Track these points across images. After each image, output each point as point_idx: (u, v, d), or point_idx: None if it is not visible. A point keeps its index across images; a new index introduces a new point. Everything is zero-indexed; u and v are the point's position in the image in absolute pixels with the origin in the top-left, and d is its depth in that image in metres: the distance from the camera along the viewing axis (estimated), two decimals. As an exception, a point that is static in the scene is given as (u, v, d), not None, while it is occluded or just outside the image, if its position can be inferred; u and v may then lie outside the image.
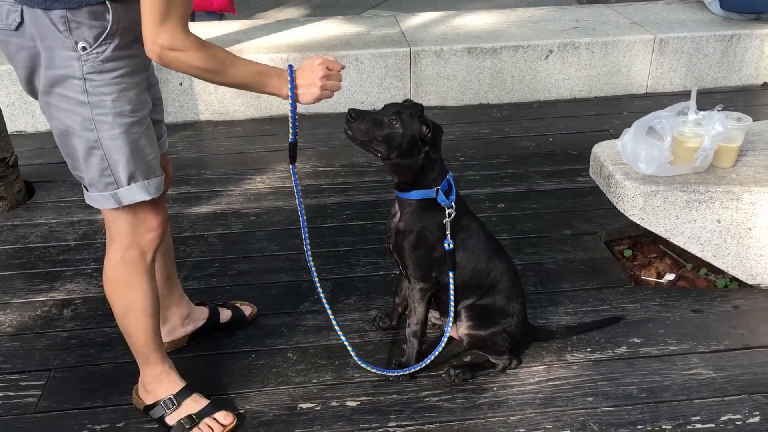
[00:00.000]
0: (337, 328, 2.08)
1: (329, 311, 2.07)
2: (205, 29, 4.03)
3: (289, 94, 1.71)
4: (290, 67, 1.72)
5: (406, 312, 2.16)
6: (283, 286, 2.53)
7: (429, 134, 1.85)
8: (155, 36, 1.50)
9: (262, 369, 2.15)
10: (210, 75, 1.62)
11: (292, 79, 1.71)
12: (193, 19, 4.49)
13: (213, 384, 2.08)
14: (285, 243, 2.78)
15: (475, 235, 2.01)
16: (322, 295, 2.07)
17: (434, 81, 3.95)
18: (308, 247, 2.01)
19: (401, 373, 2.05)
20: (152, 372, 1.92)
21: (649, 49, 4.01)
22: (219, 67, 1.61)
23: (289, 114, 1.77)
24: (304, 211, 1.98)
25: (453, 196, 1.93)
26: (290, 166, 1.87)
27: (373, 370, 2.06)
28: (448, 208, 1.91)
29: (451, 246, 1.93)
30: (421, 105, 1.94)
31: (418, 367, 2.05)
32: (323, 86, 1.72)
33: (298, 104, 1.74)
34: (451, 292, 1.97)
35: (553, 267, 2.61)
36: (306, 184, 3.21)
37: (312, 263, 2.03)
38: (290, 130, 1.80)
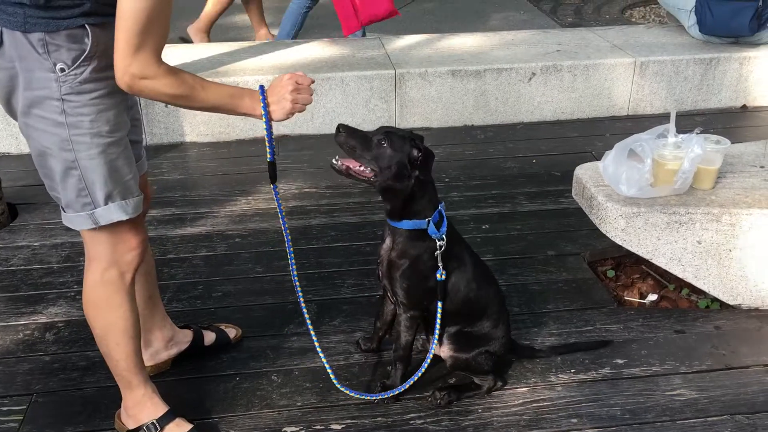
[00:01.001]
0: (322, 357, 2.05)
1: (315, 339, 2.04)
2: (189, 52, 4.05)
3: (263, 113, 1.72)
4: (261, 87, 1.73)
5: (388, 335, 2.15)
6: (268, 308, 2.53)
7: (420, 157, 1.84)
8: (127, 66, 1.50)
9: (247, 392, 2.14)
10: (182, 101, 1.62)
11: (264, 98, 1.72)
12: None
13: (197, 408, 2.07)
14: (270, 265, 2.78)
15: (467, 263, 2.01)
16: (309, 322, 2.04)
17: (419, 103, 3.98)
18: (294, 267, 1.99)
19: (385, 396, 2.05)
20: (134, 396, 1.91)
21: (629, 72, 4.07)
22: (189, 92, 1.61)
23: (265, 134, 1.76)
24: (288, 232, 1.97)
25: (444, 228, 1.92)
26: (271, 185, 1.87)
27: (357, 396, 2.05)
28: (438, 241, 1.91)
29: (443, 277, 1.93)
30: (421, 136, 1.91)
31: (402, 389, 2.04)
32: (293, 100, 1.73)
33: (273, 122, 1.75)
34: (438, 319, 1.97)
35: (536, 288, 2.63)
36: (291, 206, 3.22)
37: (297, 283, 2.01)
38: (267, 150, 1.79)
